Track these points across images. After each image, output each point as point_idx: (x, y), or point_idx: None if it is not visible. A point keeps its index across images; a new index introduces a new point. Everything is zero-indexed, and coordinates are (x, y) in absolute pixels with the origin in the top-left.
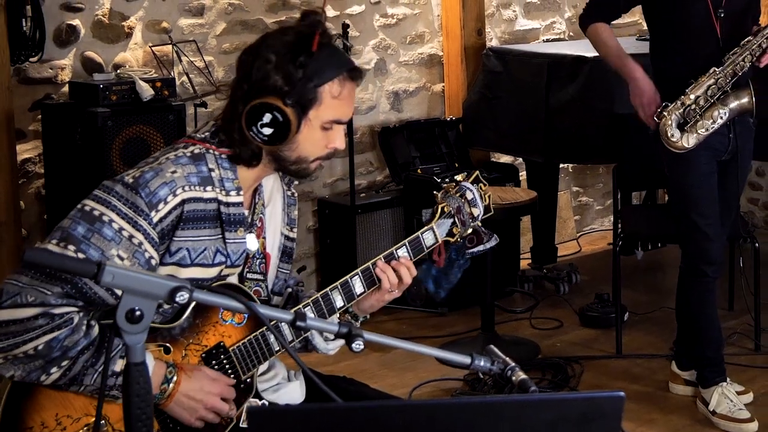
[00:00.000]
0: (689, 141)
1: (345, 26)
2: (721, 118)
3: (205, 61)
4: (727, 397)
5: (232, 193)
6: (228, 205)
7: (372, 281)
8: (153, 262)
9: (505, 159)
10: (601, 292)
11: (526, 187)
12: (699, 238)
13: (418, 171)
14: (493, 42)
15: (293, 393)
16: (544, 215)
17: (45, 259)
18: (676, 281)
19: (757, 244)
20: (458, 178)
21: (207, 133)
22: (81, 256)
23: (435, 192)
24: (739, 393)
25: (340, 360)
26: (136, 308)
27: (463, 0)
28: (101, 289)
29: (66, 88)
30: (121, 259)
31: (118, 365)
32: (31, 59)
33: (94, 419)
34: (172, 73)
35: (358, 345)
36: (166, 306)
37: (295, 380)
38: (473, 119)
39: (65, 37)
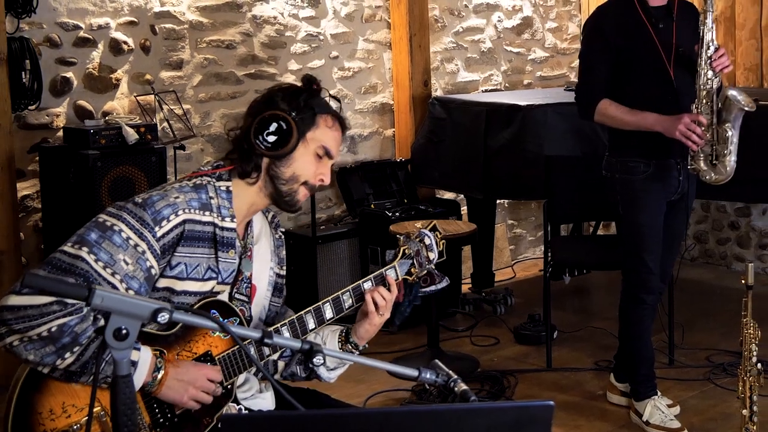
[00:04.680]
0: (727, 169)
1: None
2: (731, 133)
3: (183, 109)
4: (659, 409)
5: (227, 219)
6: (223, 229)
7: (340, 308)
8: (153, 271)
9: (449, 195)
10: (533, 312)
11: (467, 220)
12: (642, 271)
13: (372, 206)
14: (437, 92)
15: (265, 402)
16: (483, 245)
17: (42, 283)
18: (600, 303)
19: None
20: (419, 225)
21: (209, 167)
22: (92, 257)
23: (398, 236)
24: (667, 406)
25: None
26: (123, 327)
27: (411, 55)
28: (108, 285)
29: (60, 133)
30: (126, 263)
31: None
32: (30, 107)
33: (96, 409)
34: (154, 120)
35: (318, 359)
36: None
37: (266, 392)
38: (420, 160)
39: (60, 88)
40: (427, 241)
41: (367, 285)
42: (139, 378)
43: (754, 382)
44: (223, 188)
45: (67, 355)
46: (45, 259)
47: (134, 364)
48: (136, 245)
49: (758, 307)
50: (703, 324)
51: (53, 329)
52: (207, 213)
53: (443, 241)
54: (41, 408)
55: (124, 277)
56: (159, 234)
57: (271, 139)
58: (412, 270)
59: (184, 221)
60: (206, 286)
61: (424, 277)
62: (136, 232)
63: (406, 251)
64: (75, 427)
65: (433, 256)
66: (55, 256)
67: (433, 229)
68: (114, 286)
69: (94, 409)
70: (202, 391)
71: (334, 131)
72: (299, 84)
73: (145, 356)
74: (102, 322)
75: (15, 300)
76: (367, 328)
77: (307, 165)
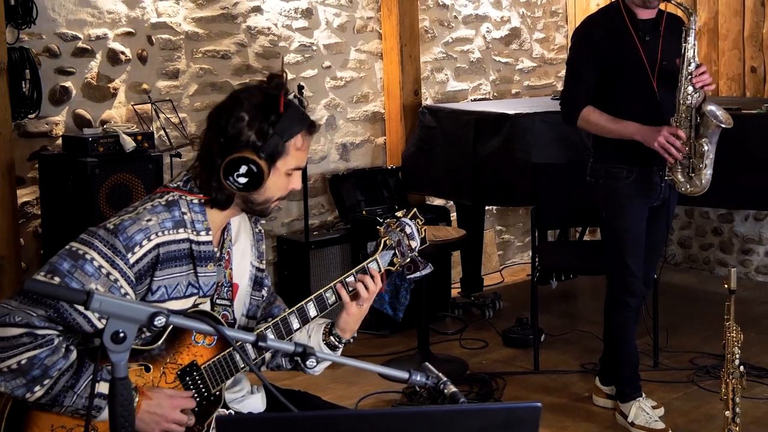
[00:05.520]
0: (702, 181)
1: (300, 87)
2: (707, 148)
3: (179, 118)
4: (644, 410)
5: (202, 233)
6: (199, 243)
7: (324, 306)
8: (128, 298)
9: (438, 202)
10: (521, 316)
11: (456, 226)
12: (626, 274)
13: (364, 212)
14: (427, 101)
15: (256, 404)
16: (472, 250)
17: (42, 288)
18: (586, 307)
19: (655, 276)
20: (398, 214)
21: (180, 182)
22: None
23: (378, 227)
24: (652, 407)
25: (296, 375)
26: (120, 331)
27: (402, 65)
28: (79, 316)
29: (60, 141)
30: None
31: (98, 387)
32: (30, 116)
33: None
34: (151, 128)
35: (311, 362)
36: (147, 333)
37: (257, 393)
38: (411, 168)
39: (59, 97)
40: (407, 230)
41: (350, 280)
42: None
43: (736, 384)
44: (196, 201)
45: (37, 388)
46: (17, 289)
47: (105, 396)
48: (108, 274)
49: (741, 311)
50: (687, 327)
51: (23, 362)
52: (181, 230)
53: (424, 228)
54: None
55: None
56: (132, 261)
57: (242, 180)
58: (395, 260)
59: (158, 245)
60: (188, 303)
61: (408, 265)
62: (108, 261)
63: (387, 242)
64: None
65: (415, 244)
66: None
67: (414, 217)
68: (85, 317)
69: (81, 430)
70: (174, 423)
71: (304, 148)
72: (264, 87)
73: None
74: (74, 355)
75: None
76: (345, 318)
77: (279, 186)
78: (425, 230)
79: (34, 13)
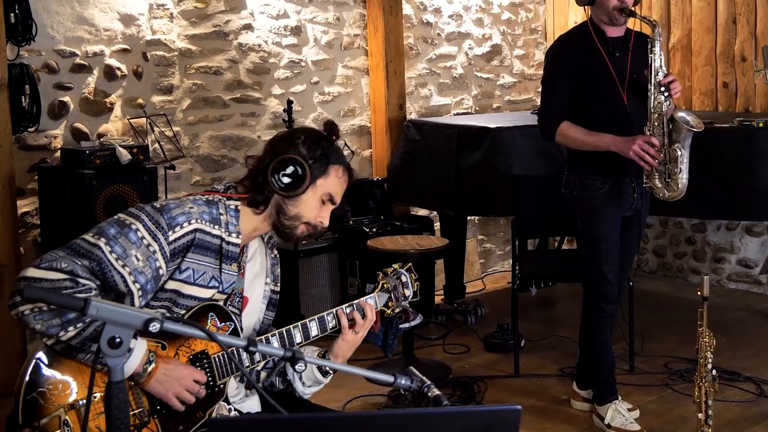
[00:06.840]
0: (678, 186)
1: (290, 102)
2: (680, 153)
3: (173, 131)
4: (620, 413)
5: (233, 235)
6: (228, 243)
7: (324, 327)
8: (161, 271)
9: (423, 212)
10: (502, 322)
11: (439, 235)
12: (601, 282)
13: (350, 222)
14: (412, 115)
15: (253, 404)
16: (455, 259)
17: (41, 295)
18: (565, 314)
19: (631, 283)
20: (396, 266)
21: (221, 187)
22: (108, 248)
23: (378, 272)
24: (628, 410)
25: None
26: (117, 336)
27: (387, 80)
28: (117, 274)
29: (58, 154)
30: (137, 259)
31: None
32: (29, 129)
33: (102, 389)
34: (146, 141)
35: (300, 367)
36: (168, 314)
37: (252, 395)
38: (396, 179)
39: (57, 111)
40: (403, 278)
41: (348, 310)
42: (131, 366)
43: (709, 388)
44: (232, 207)
45: (71, 328)
46: (66, 243)
47: (129, 351)
48: (148, 245)
49: (713, 317)
50: (662, 333)
51: None
52: (216, 227)
53: (417, 282)
54: (50, 384)
55: (133, 271)
56: (171, 238)
57: (286, 180)
58: (389, 303)
59: (196, 230)
60: (208, 293)
61: (399, 314)
62: (150, 233)
63: (385, 285)
64: (81, 402)
65: (409, 293)
66: (76, 242)
67: (409, 270)
68: (123, 277)
69: (97, 390)
70: (187, 390)
71: (342, 181)
72: (321, 129)
73: (140, 347)
74: None
75: (33, 272)
76: (341, 344)
77: (312, 208)
78: (418, 284)
79: (34, 30)
